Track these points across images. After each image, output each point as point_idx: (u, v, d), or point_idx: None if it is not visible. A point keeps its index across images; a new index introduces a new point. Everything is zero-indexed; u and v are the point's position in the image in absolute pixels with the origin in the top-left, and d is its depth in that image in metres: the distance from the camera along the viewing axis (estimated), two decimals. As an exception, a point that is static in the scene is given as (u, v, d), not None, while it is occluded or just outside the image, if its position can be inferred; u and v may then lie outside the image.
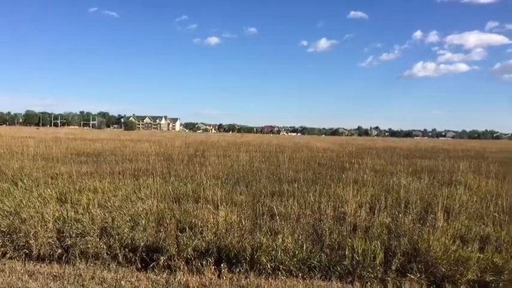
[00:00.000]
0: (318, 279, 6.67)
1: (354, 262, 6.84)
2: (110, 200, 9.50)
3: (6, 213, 8.54)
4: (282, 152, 27.60)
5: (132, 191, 10.75)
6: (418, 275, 6.56)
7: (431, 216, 8.49)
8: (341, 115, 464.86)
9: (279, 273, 6.77)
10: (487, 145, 67.18)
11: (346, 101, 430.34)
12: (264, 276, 6.75)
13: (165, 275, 6.80)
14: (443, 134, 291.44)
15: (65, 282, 6.47)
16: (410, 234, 7.54)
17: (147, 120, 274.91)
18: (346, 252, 6.98)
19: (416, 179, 13.60)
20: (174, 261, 7.08)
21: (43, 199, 9.61)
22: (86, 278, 6.58)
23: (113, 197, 9.84)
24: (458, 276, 6.48)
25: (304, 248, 7.14)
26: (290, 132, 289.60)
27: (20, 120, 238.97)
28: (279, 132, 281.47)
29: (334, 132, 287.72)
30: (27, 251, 7.52)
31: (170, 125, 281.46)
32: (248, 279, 6.63)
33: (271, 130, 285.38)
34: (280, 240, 7.26)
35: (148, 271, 6.99)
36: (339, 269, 6.80)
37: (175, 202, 9.79)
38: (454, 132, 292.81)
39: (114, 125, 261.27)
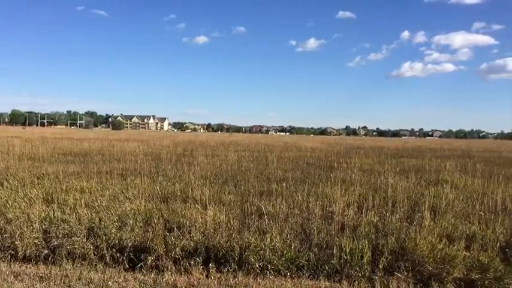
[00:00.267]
0: (306, 279, 6.68)
1: (341, 261, 6.87)
2: (97, 200, 9.43)
3: (-9, 213, 8.42)
4: (271, 151, 27.66)
5: (120, 190, 10.67)
6: (405, 274, 6.61)
7: (418, 215, 8.56)
8: (329, 115, 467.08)
9: (268, 272, 6.77)
10: (473, 144, 67.98)
11: (335, 100, 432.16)
12: (252, 275, 6.75)
13: (152, 275, 6.77)
14: (430, 133, 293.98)
15: (52, 283, 6.41)
16: (397, 233, 7.59)
17: (135, 119, 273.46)
18: (334, 251, 7.00)
19: (403, 178, 13.68)
20: (162, 261, 7.05)
21: (29, 199, 9.50)
22: (72, 279, 6.52)
23: (100, 197, 9.77)
24: (444, 274, 6.54)
25: (292, 247, 7.16)
26: (279, 131, 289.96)
27: (6, 119, 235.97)
28: (267, 131, 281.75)
29: (323, 131, 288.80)
30: (12, 252, 7.43)
31: (158, 125, 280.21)
32: (236, 279, 6.62)
33: (259, 130, 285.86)
34: (269, 239, 7.26)
35: (135, 271, 6.95)
36: (327, 268, 6.82)
37: (163, 202, 9.74)
38: (441, 131, 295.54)
39: (102, 125, 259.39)
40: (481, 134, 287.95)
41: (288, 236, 7.55)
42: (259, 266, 6.83)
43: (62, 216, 8.23)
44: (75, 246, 7.32)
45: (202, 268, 6.94)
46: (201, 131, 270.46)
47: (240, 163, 18.74)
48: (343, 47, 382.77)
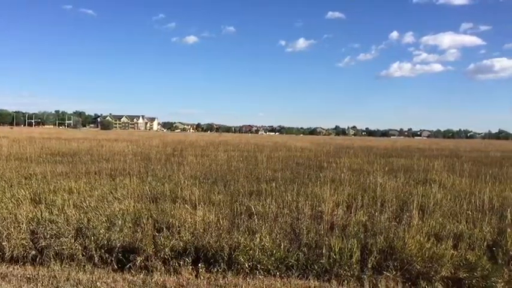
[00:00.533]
0: (295, 278, 6.70)
1: (331, 260, 6.89)
2: (86, 201, 9.37)
3: (-23, 214, 8.33)
4: (260, 151, 27.68)
5: (109, 191, 10.62)
6: (394, 273, 6.65)
7: (407, 214, 8.61)
8: (319, 115, 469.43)
9: (257, 272, 6.78)
10: (461, 144, 68.61)
11: (324, 100, 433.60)
12: (241, 275, 6.75)
13: (141, 276, 6.74)
14: (419, 133, 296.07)
15: (39, 284, 6.35)
16: (386, 232, 7.63)
17: (124, 119, 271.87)
18: (324, 251, 7.03)
19: (392, 177, 13.78)
20: (151, 261, 7.03)
21: (16, 200, 9.42)
22: (60, 280, 6.47)
23: (89, 198, 9.71)
24: (432, 273, 6.59)
25: (281, 247, 7.17)
26: (268, 131, 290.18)
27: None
28: (257, 131, 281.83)
29: (312, 131, 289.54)
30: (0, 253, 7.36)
31: (148, 125, 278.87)
32: (226, 279, 6.62)
33: (249, 130, 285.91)
34: (258, 239, 7.26)
35: (124, 272, 6.92)
36: (316, 267, 6.84)
37: (153, 202, 9.70)
38: (429, 131, 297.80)
39: (91, 125, 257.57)
40: (468, 134, 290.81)
41: (278, 235, 7.56)
42: (249, 266, 6.84)
43: (50, 217, 8.16)
44: (63, 246, 7.26)
45: (192, 268, 6.93)
46: (191, 131, 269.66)
47: (230, 163, 18.73)
48: (333, 47, 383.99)
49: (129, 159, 18.55)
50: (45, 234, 7.55)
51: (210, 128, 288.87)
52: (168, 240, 7.27)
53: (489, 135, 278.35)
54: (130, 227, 7.80)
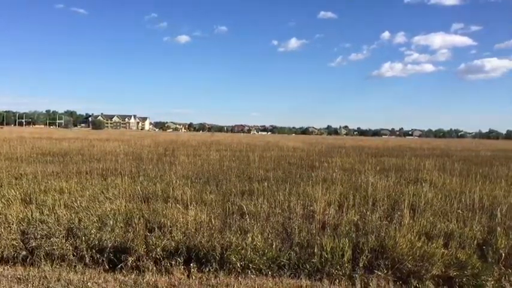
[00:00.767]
0: (287, 277, 6.71)
1: (322, 260, 6.91)
2: (77, 201, 9.32)
3: (-33, 215, 8.26)
4: (252, 151, 27.66)
5: (100, 191, 10.57)
6: (385, 272, 6.69)
7: (398, 213, 8.65)
8: (311, 114, 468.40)
9: (249, 271, 6.78)
10: (452, 144, 69.10)
11: (316, 100, 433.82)
12: (233, 275, 6.75)
13: (133, 276, 6.72)
14: (410, 132, 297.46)
15: (30, 285, 6.31)
16: (377, 231, 7.67)
17: (115, 119, 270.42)
18: (315, 250, 7.05)
19: (383, 177, 13.83)
20: (143, 261, 7.00)
21: (6, 200, 9.34)
22: (51, 280, 6.43)
23: (80, 198, 9.66)
24: (423, 271, 6.63)
25: (273, 246, 7.18)
26: (260, 131, 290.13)
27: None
28: (249, 131, 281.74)
29: (305, 131, 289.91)
30: (-11, 254, 7.30)
31: (139, 124, 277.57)
32: (218, 279, 6.62)
33: (241, 129, 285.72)
34: (250, 239, 7.27)
35: (116, 272, 6.89)
36: (308, 266, 6.86)
37: (144, 202, 9.67)
38: (420, 131, 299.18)
39: (82, 124, 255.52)
40: (459, 134, 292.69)
41: (270, 235, 7.57)
42: (241, 266, 6.84)
43: (41, 217, 8.11)
44: (54, 247, 7.22)
45: (184, 268, 6.92)
46: (183, 130, 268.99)
47: (222, 163, 18.73)
48: (325, 47, 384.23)
49: (120, 159, 18.46)
50: (36, 234, 7.49)
51: (202, 127, 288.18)
52: (160, 240, 7.26)
53: (480, 135, 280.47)
54: (121, 227, 7.77)
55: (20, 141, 31.62)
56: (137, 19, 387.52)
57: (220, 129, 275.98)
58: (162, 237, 7.36)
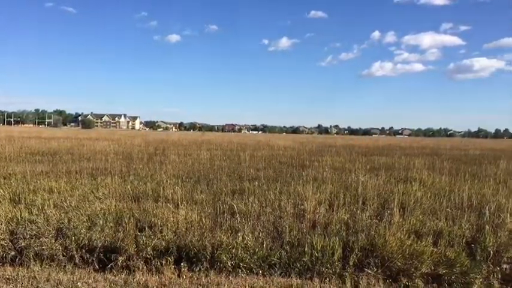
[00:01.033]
0: (277, 276, 6.72)
1: (313, 258, 6.93)
2: (66, 200, 9.26)
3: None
4: (243, 150, 27.67)
5: (90, 190, 10.52)
6: (375, 270, 6.72)
7: (388, 212, 8.71)
8: (302, 113, 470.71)
9: (240, 270, 6.78)
10: (441, 143, 69.55)
11: (307, 99, 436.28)
12: (224, 274, 6.75)
13: (123, 276, 6.69)
14: (400, 132, 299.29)
15: (19, 285, 6.26)
16: (367, 230, 7.71)
17: (105, 118, 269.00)
18: (306, 249, 7.06)
19: (374, 176, 13.89)
20: (133, 261, 6.98)
21: (-5, 200, 9.25)
22: (40, 281, 6.39)
23: (70, 197, 9.60)
24: (413, 269, 6.69)
25: (264, 245, 7.19)
26: (251, 130, 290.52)
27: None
28: (240, 130, 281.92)
29: (295, 130, 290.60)
30: (-23, 254, 7.23)
31: (130, 124, 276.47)
32: (208, 278, 6.61)
33: (232, 128, 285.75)
34: (241, 238, 7.28)
35: (106, 272, 6.86)
36: (298, 265, 6.88)
37: (135, 201, 9.63)
38: (410, 130, 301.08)
39: (71, 124, 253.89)
40: (448, 133, 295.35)
41: (260, 234, 7.58)
42: (231, 265, 6.84)
43: (30, 217, 8.05)
44: (43, 247, 7.17)
45: (174, 267, 6.90)
46: (173, 129, 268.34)
47: (213, 162, 18.73)
48: (315, 47, 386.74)
49: (110, 159, 18.36)
50: (25, 234, 7.44)
51: (192, 127, 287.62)
52: (150, 240, 7.24)
53: (469, 134, 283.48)
54: (111, 226, 7.73)
55: (9, 141, 31.32)
56: (127, 18, 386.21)
57: (211, 128, 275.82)
58: (152, 237, 7.34)
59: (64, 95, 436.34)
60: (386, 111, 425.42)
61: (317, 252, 6.98)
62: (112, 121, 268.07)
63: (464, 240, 7.58)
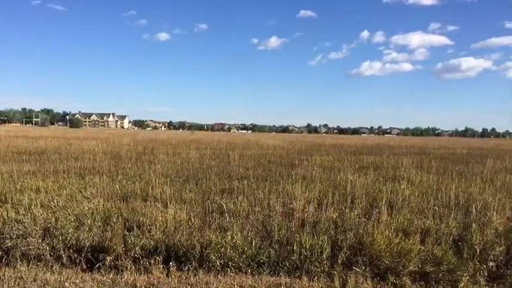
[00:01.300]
0: (266, 275, 6.73)
1: (302, 257, 6.95)
2: (54, 200, 9.18)
3: None
4: (232, 149, 27.67)
5: (78, 190, 10.44)
6: (363, 268, 6.75)
7: (376, 210, 8.74)
8: (291, 113, 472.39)
9: (228, 270, 6.78)
10: (429, 142, 70.13)
11: (296, 98, 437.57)
12: (213, 273, 6.74)
13: (111, 275, 6.64)
14: (388, 131, 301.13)
15: (5, 286, 6.19)
16: (356, 228, 7.75)
17: (94, 117, 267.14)
18: (295, 248, 7.08)
19: (362, 174, 13.95)
20: (121, 260, 6.94)
21: (-19, 200, 9.15)
22: (27, 281, 6.32)
23: (57, 197, 9.52)
24: (400, 267, 6.73)
25: (253, 244, 7.19)
26: (241, 129, 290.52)
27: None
28: (229, 129, 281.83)
29: (285, 129, 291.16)
30: (-37, 255, 7.14)
31: (118, 123, 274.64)
32: (197, 277, 6.60)
33: (222, 128, 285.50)
34: (230, 237, 7.27)
35: (93, 272, 6.81)
36: (287, 264, 6.89)
37: (123, 201, 9.59)
38: (398, 129, 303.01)
39: (59, 123, 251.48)
40: (436, 132, 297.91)
41: (249, 233, 7.58)
42: (220, 264, 6.83)
43: (16, 217, 7.97)
44: (30, 247, 7.10)
45: (163, 267, 6.88)
46: (162, 129, 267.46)
47: (202, 161, 18.69)
48: (305, 46, 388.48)
49: (99, 158, 18.26)
50: (12, 234, 7.37)
51: (182, 126, 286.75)
52: (139, 239, 7.20)
53: (456, 133, 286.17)
54: (99, 226, 7.68)
55: (-5, 140, 30.97)
56: (116, 16, 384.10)
57: (200, 127, 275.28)
58: (141, 236, 7.31)
59: (52, 94, 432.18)
60: (375, 110, 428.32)
61: (306, 251, 7.00)
62: (100, 120, 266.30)
63: (451, 239, 7.63)
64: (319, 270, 6.76)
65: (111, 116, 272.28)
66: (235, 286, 6.34)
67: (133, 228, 7.67)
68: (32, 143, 29.38)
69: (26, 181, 11.49)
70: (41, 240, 7.27)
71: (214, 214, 8.52)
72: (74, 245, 7.17)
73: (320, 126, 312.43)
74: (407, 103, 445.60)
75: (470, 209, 9.13)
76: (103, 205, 8.85)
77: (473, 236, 7.52)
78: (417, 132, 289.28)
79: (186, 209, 8.63)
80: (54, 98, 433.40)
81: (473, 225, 7.95)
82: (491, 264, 7.03)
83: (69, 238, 7.24)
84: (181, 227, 7.69)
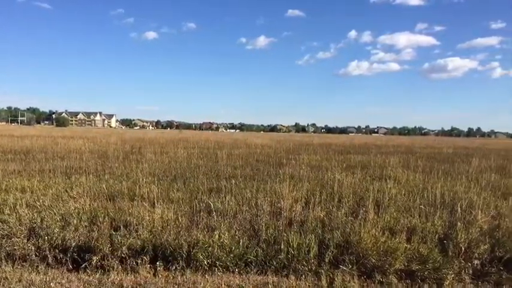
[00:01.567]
0: (254, 274, 6.73)
1: (289, 256, 6.97)
2: (39, 200, 9.10)
3: None
4: (220, 148, 27.63)
5: (64, 189, 10.36)
6: (350, 267, 6.79)
7: (363, 209, 8.80)
8: (279, 112, 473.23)
9: (216, 269, 6.77)
10: (416, 141, 70.68)
11: (285, 98, 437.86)
12: (200, 272, 6.72)
13: (97, 275, 6.60)
14: (376, 130, 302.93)
15: (-11, 287, 6.13)
16: (343, 227, 7.79)
17: (80, 116, 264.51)
18: (282, 247, 7.10)
19: (350, 174, 14.02)
20: (108, 260, 6.89)
21: (-35, 200, 9.02)
22: (12, 281, 6.25)
23: (43, 196, 9.44)
24: (387, 266, 6.77)
25: (240, 243, 7.19)
26: (229, 128, 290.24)
27: None
28: (217, 128, 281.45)
29: (273, 128, 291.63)
30: None
31: (105, 122, 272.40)
32: (184, 277, 6.58)
33: (210, 127, 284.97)
34: (217, 236, 7.26)
35: (80, 272, 6.75)
36: (274, 263, 6.90)
37: (110, 200, 9.52)
38: (386, 128, 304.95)
39: (45, 121, 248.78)
40: (423, 131, 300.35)
41: (237, 232, 7.59)
42: (208, 263, 6.82)
43: (1, 217, 7.91)
44: (15, 247, 7.03)
45: (150, 267, 6.84)
46: (150, 128, 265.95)
47: (190, 160, 18.64)
48: (293, 45, 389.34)
49: (85, 157, 18.12)
50: (-4, 234, 7.28)
51: (170, 125, 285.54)
52: (126, 239, 7.16)
53: (442, 132, 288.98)
54: (86, 226, 7.63)
55: (-20, 139, 30.56)
56: (103, 14, 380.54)
57: (188, 126, 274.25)
58: (127, 236, 7.27)
59: (38, 93, 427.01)
60: (362, 110, 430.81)
61: (293, 250, 7.02)
62: (87, 119, 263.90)
63: (436, 237, 7.70)
64: (307, 269, 6.78)
65: (98, 115, 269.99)
66: (223, 285, 6.34)
67: (120, 227, 7.63)
68: (18, 142, 29.04)
69: (11, 181, 11.38)
70: (26, 240, 7.20)
71: (202, 213, 8.50)
72: (60, 245, 7.11)
73: (308, 125, 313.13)
74: (394, 103, 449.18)
75: (455, 207, 9.21)
76: (89, 205, 8.79)
77: (458, 235, 7.59)
78: (404, 131, 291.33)
79: (174, 209, 8.61)
80: (40, 96, 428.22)
81: (459, 223, 8.03)
82: (476, 262, 7.11)
83: (54, 238, 7.18)
84: (168, 227, 7.67)
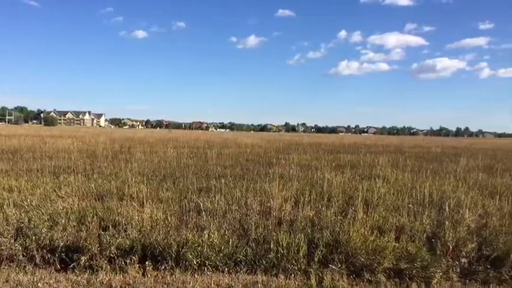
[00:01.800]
0: (243, 273, 6.73)
1: (278, 255, 6.98)
2: (27, 199, 9.02)
3: None
4: (210, 148, 27.57)
5: (52, 189, 10.26)
6: (339, 266, 6.82)
7: (352, 208, 8.83)
8: (269, 111, 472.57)
9: (205, 268, 6.76)
10: (405, 141, 71.13)
11: (275, 97, 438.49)
12: (189, 272, 6.71)
13: (86, 275, 6.56)
14: (365, 130, 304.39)
15: (-24, 288, 6.06)
16: (332, 226, 7.81)
17: (69, 115, 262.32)
18: (271, 246, 7.11)
19: (339, 173, 14.06)
20: (96, 260, 6.85)
21: (-50, 199, 8.91)
22: (-1, 282, 6.20)
23: (30, 196, 9.35)
24: (375, 265, 6.82)
25: (230, 243, 7.18)
26: (219, 128, 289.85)
27: None
28: (207, 128, 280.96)
29: (263, 128, 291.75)
30: None
31: (94, 121, 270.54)
32: (173, 276, 6.57)
33: (200, 126, 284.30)
34: (207, 235, 7.25)
35: (68, 272, 6.71)
36: (264, 262, 6.91)
37: (98, 200, 9.46)
38: (375, 128, 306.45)
39: (33, 121, 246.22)
40: (412, 131, 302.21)
41: (226, 231, 7.58)
42: (197, 263, 6.81)
43: (-12, 217, 7.80)
44: (2, 247, 6.96)
45: (139, 266, 6.82)
46: (140, 127, 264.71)
47: (179, 160, 18.58)
48: (283, 45, 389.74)
49: (74, 157, 17.99)
50: (-18, 234, 7.20)
51: (159, 124, 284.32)
52: (114, 239, 7.12)
53: (431, 132, 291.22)
54: (74, 225, 7.57)
55: (-34, 138, 30.20)
56: (92, 13, 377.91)
57: (178, 126, 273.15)
58: (116, 236, 7.23)
59: (26, 92, 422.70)
60: (352, 109, 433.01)
61: (283, 249, 7.04)
62: (76, 118, 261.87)
63: (425, 236, 7.75)
64: (296, 268, 6.80)
65: (87, 114, 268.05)
66: (212, 285, 6.33)
67: (109, 227, 7.59)
68: (5, 141, 28.76)
69: (-2, 180, 11.24)
70: (13, 241, 7.13)
71: (192, 213, 8.47)
72: (48, 245, 7.05)
73: (298, 125, 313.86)
74: (384, 102, 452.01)
75: (443, 206, 9.28)
76: (78, 204, 8.73)
77: (446, 233, 7.65)
78: (393, 131, 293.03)
79: (163, 208, 8.58)
80: (28, 95, 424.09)
81: (447, 222, 8.09)
82: (463, 260, 7.17)
83: (42, 238, 7.11)
84: (157, 226, 7.64)
